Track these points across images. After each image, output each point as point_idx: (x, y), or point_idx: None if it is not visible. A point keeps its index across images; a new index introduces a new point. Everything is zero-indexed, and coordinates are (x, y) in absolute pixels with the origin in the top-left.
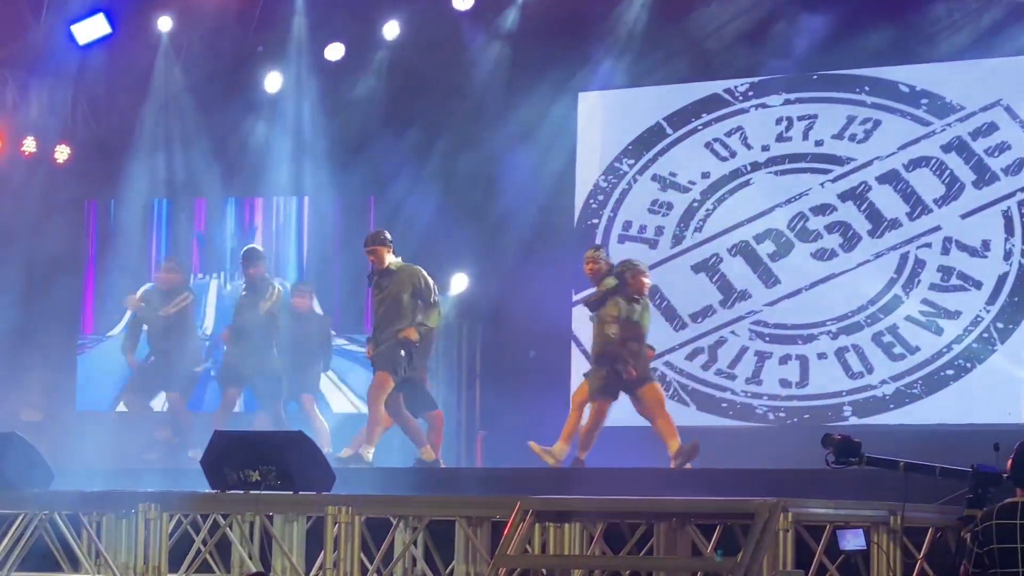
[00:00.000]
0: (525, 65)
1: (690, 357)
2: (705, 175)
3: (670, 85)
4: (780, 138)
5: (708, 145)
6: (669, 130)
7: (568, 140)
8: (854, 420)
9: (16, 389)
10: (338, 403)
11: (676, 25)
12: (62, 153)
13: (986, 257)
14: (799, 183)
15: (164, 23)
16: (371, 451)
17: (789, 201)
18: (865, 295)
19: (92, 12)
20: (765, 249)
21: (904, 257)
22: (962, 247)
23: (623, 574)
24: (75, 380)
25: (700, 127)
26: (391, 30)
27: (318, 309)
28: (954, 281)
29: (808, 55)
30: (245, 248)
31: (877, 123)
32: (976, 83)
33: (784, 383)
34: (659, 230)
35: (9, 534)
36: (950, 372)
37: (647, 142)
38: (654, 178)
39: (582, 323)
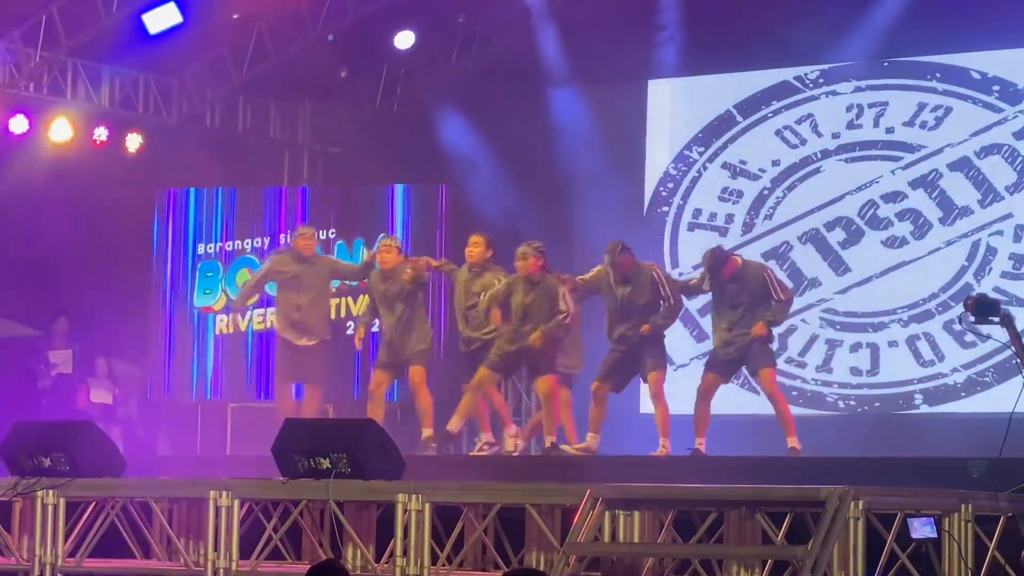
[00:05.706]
0: (594, 52)
1: None
2: (775, 163)
3: (740, 72)
4: (851, 125)
5: (778, 132)
6: (739, 117)
7: (638, 127)
8: (925, 408)
9: (88, 373)
10: None
11: (746, 12)
12: (133, 142)
13: None
14: (870, 170)
15: (235, 12)
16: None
17: (860, 189)
18: (936, 283)
19: (163, 1)
20: (835, 237)
21: (975, 245)
22: None
23: (693, 562)
24: (151, 366)
25: (770, 115)
26: (461, 17)
27: None
28: None
29: (879, 42)
30: None
31: (948, 110)
32: None
33: (855, 371)
34: (729, 218)
35: (82, 521)
36: None
37: (717, 130)
38: (724, 166)
39: None
